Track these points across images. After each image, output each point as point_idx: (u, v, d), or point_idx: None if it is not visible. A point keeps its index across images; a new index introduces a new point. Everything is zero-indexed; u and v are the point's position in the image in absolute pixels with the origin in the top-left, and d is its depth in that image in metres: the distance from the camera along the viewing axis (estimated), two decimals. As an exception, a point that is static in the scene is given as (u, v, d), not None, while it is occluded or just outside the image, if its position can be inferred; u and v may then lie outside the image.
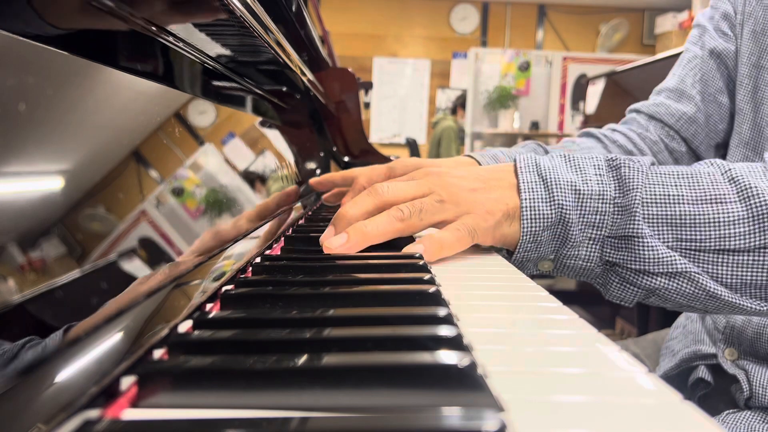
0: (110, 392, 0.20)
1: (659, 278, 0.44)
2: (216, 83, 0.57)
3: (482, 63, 4.83)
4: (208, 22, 0.48)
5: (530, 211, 0.45)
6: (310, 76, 0.87)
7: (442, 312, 0.27)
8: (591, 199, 0.45)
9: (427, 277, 0.35)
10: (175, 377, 0.20)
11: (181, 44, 0.47)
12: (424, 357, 0.21)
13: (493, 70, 4.78)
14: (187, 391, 0.20)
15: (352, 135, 1.33)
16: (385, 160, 1.34)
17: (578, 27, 5.75)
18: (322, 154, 1.10)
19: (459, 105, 4.74)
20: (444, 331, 0.24)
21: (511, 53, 4.74)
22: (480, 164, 0.69)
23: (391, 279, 0.36)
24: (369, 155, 1.34)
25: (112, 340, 0.22)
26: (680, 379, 0.69)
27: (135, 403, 0.20)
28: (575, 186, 0.45)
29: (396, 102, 5.90)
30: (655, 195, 0.44)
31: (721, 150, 0.75)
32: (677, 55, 0.81)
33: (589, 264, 0.46)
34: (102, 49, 0.35)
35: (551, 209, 0.45)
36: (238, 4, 0.45)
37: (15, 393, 0.17)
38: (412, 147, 5.07)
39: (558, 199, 0.45)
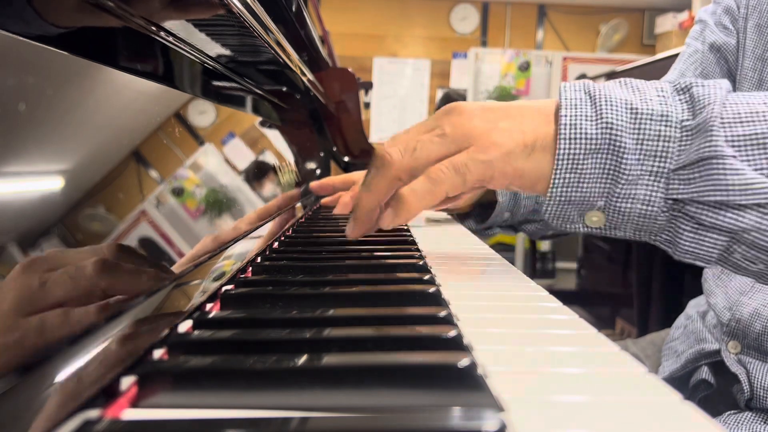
0: (110, 392, 0.20)
1: (749, 213, 0.33)
2: (216, 83, 0.57)
3: (482, 63, 4.82)
4: (208, 22, 0.48)
5: (569, 129, 0.35)
6: (310, 76, 0.87)
7: (442, 312, 0.27)
8: (652, 120, 0.35)
9: (426, 277, 0.35)
10: (175, 377, 0.20)
11: (181, 44, 0.47)
12: (424, 357, 0.21)
13: (493, 70, 4.77)
14: (187, 391, 0.20)
15: (352, 135, 1.33)
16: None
17: (578, 27, 5.75)
18: (322, 154, 1.10)
19: (444, 105, 4.74)
20: (444, 331, 0.24)
21: (511, 53, 4.74)
22: None
23: (391, 279, 0.36)
24: (369, 155, 1.34)
25: (112, 339, 0.22)
26: (682, 381, 0.69)
27: (135, 403, 0.20)
28: (630, 104, 0.35)
29: (396, 102, 5.90)
30: (738, 114, 0.34)
31: None
32: (677, 55, 0.82)
33: (650, 208, 0.35)
34: (102, 49, 0.35)
35: (597, 128, 0.35)
36: (238, 4, 0.45)
37: (15, 393, 0.17)
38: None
39: (607, 117, 0.35)
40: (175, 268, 0.31)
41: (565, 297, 0.36)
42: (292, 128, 0.89)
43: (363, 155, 1.34)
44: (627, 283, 1.92)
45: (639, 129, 0.35)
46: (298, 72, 0.76)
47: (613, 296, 2.13)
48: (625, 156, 0.35)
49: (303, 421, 0.17)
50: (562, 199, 0.36)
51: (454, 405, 0.19)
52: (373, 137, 5.67)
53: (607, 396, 0.20)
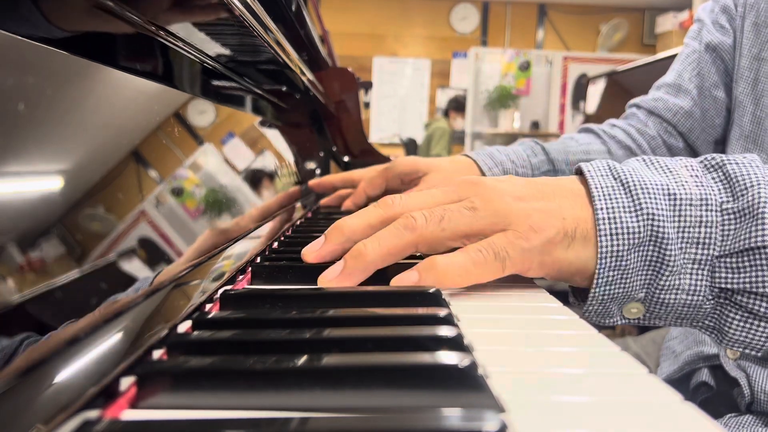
0: (110, 392, 0.20)
1: None
2: (216, 83, 0.57)
3: (482, 63, 4.82)
4: (208, 22, 0.48)
5: (610, 223, 0.33)
6: (310, 75, 0.87)
7: (442, 312, 0.27)
8: (692, 206, 0.33)
9: (427, 277, 0.35)
10: (174, 377, 0.20)
11: (181, 44, 0.46)
12: (424, 357, 0.21)
13: (493, 70, 4.78)
14: (187, 392, 0.20)
15: (352, 135, 1.33)
16: (386, 160, 1.34)
17: (578, 27, 5.75)
18: (322, 154, 1.10)
19: (451, 108, 4.73)
20: (444, 331, 0.24)
21: (512, 53, 4.74)
22: (478, 164, 0.68)
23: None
24: (369, 155, 1.34)
25: (111, 340, 0.22)
26: (682, 383, 0.69)
27: (134, 404, 0.20)
28: (668, 189, 0.34)
29: (396, 102, 5.90)
30: None
31: (720, 146, 0.75)
32: (677, 55, 0.82)
33: (695, 298, 0.33)
34: (102, 49, 0.35)
35: (638, 220, 0.33)
36: (238, 4, 0.45)
37: (15, 393, 0.17)
38: (409, 147, 5.07)
39: (647, 207, 0.33)
40: (177, 266, 0.31)
41: (566, 297, 0.35)
42: (292, 128, 0.89)
43: (363, 155, 1.34)
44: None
45: (680, 216, 0.33)
46: (298, 72, 0.76)
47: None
48: (668, 246, 0.33)
49: (303, 422, 0.17)
50: (605, 297, 0.34)
51: (454, 405, 0.19)
52: (373, 137, 5.67)
53: (607, 396, 0.20)
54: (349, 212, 0.71)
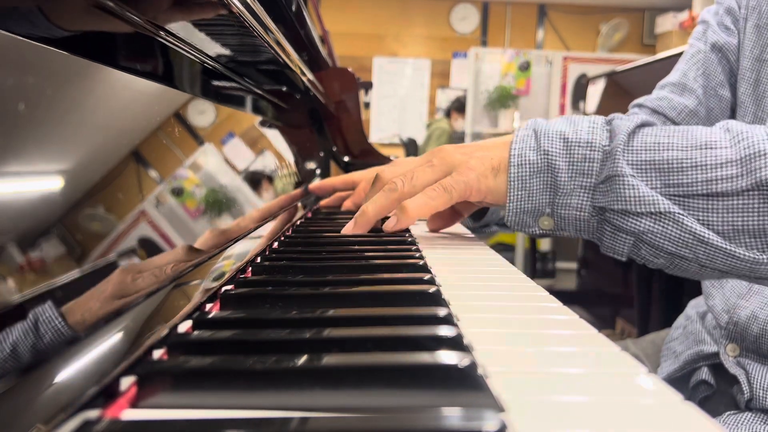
0: (110, 392, 0.20)
1: (644, 220, 0.43)
2: (216, 83, 0.57)
3: (482, 63, 4.82)
4: (208, 22, 0.48)
5: (517, 158, 0.46)
6: (310, 75, 0.87)
7: (442, 312, 0.27)
8: (579, 146, 0.45)
9: (426, 277, 0.35)
10: (174, 377, 0.20)
11: (181, 44, 0.46)
12: (424, 357, 0.21)
13: (493, 70, 4.77)
14: (187, 392, 0.20)
15: (352, 135, 1.33)
16: (386, 159, 1.34)
17: (578, 27, 5.75)
18: (322, 154, 1.10)
19: (453, 108, 4.73)
20: (444, 331, 0.24)
21: (512, 53, 4.73)
22: None
23: (391, 279, 0.36)
24: (369, 155, 1.34)
25: (112, 340, 0.22)
26: (682, 381, 0.69)
27: (135, 404, 0.20)
28: (564, 134, 0.46)
29: (396, 102, 5.90)
30: (644, 143, 0.44)
31: None
32: (678, 55, 0.82)
33: (582, 213, 0.45)
34: (102, 49, 0.35)
35: (537, 155, 0.46)
36: (238, 4, 0.45)
37: (15, 393, 0.17)
38: (409, 147, 5.07)
39: (544, 146, 0.46)
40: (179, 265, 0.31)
41: (565, 297, 0.38)
42: (292, 128, 0.89)
43: (363, 155, 1.34)
44: (627, 283, 1.92)
45: (570, 154, 0.45)
46: (298, 72, 0.76)
47: (613, 296, 2.13)
48: (559, 174, 0.45)
49: (303, 422, 0.17)
50: (518, 209, 0.47)
51: (454, 405, 0.19)
52: (373, 137, 5.67)
53: (607, 396, 0.20)
54: (349, 212, 0.71)
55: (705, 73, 0.74)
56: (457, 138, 4.69)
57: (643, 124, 0.46)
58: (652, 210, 0.42)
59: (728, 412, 0.59)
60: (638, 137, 0.44)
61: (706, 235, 0.42)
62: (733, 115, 0.74)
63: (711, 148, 0.42)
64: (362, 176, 0.75)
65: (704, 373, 0.65)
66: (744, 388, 0.58)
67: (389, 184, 0.50)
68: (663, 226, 0.43)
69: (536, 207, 0.47)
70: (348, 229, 0.52)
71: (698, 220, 0.42)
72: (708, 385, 0.65)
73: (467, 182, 0.47)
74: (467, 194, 0.48)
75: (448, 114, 4.74)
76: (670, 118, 0.78)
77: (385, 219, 0.53)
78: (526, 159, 0.46)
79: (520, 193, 0.46)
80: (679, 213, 0.42)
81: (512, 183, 0.46)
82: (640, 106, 0.82)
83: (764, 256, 0.42)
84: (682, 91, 0.77)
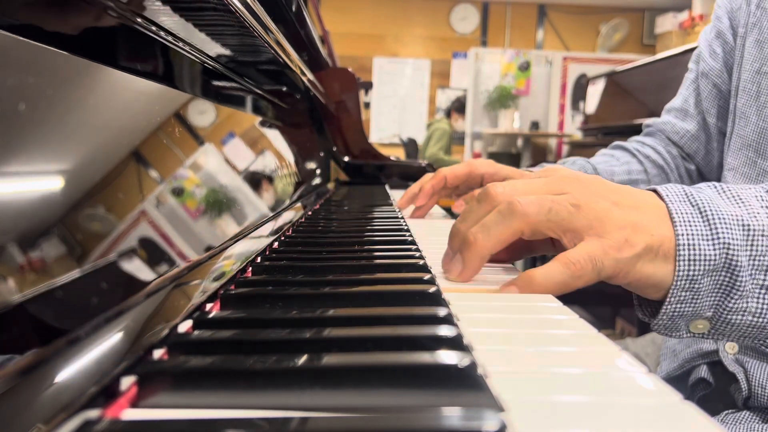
0: (110, 392, 0.20)
1: None
2: (216, 83, 0.57)
3: (482, 63, 4.82)
4: (208, 22, 0.48)
5: (689, 249, 0.36)
6: (310, 76, 0.87)
7: (442, 312, 0.27)
8: (763, 236, 0.36)
9: (427, 277, 0.35)
10: (175, 377, 0.20)
11: (181, 44, 0.47)
12: (424, 357, 0.21)
13: (493, 70, 4.77)
14: (187, 391, 0.20)
15: (352, 135, 1.33)
16: (386, 159, 1.34)
17: (578, 27, 5.75)
18: (322, 154, 1.10)
19: (453, 108, 4.73)
20: (444, 331, 0.24)
21: (511, 53, 4.74)
22: None
23: (391, 279, 0.36)
24: (369, 155, 1.34)
25: (112, 340, 0.22)
26: (681, 380, 0.69)
27: (135, 403, 0.20)
28: (743, 221, 0.37)
29: (396, 102, 5.90)
30: None
31: (721, 169, 0.78)
32: (677, 55, 0.86)
33: (760, 320, 0.37)
34: (102, 49, 0.35)
35: (714, 249, 0.36)
36: (238, 4, 0.45)
37: (15, 393, 0.17)
38: (409, 147, 5.07)
39: (723, 237, 0.36)
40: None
41: (565, 297, 0.36)
42: (292, 128, 0.89)
43: (363, 155, 1.34)
44: (627, 283, 1.91)
45: (752, 245, 0.36)
46: (298, 72, 0.76)
47: (613, 296, 2.13)
48: (740, 273, 0.36)
49: (303, 422, 0.17)
50: (675, 314, 0.37)
51: (454, 405, 0.19)
52: (373, 137, 5.67)
53: (607, 396, 0.20)
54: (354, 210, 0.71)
55: (698, 98, 0.80)
56: (457, 138, 4.69)
57: None
58: None
59: (726, 411, 0.59)
60: None
61: None
62: (720, 137, 0.78)
63: None
64: (443, 169, 0.72)
65: (703, 371, 0.65)
66: (742, 386, 0.58)
67: (512, 203, 0.36)
68: None
69: (698, 311, 0.37)
70: (458, 274, 0.38)
71: None
72: (707, 384, 0.65)
73: (621, 262, 0.35)
74: (613, 276, 0.36)
75: (448, 114, 4.74)
76: (673, 141, 0.83)
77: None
78: (701, 253, 0.36)
79: (684, 294, 0.36)
80: None
81: (679, 282, 0.36)
82: (650, 126, 0.88)
83: None
84: (684, 116, 0.82)
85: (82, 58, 0.29)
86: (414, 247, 0.47)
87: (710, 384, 0.65)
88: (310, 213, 0.72)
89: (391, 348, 0.23)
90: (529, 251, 0.45)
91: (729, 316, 0.37)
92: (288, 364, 0.20)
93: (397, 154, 1.48)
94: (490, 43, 5.71)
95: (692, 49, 0.85)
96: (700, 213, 0.37)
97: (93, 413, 0.18)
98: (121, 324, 0.23)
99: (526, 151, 4.50)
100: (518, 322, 0.29)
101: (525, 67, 4.74)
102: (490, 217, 0.37)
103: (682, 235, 0.36)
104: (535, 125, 4.77)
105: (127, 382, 0.20)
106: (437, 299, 0.31)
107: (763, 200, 0.38)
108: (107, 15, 0.34)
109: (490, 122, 4.79)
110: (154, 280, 0.27)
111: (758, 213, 0.37)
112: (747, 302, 0.36)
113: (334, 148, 1.30)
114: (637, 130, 0.92)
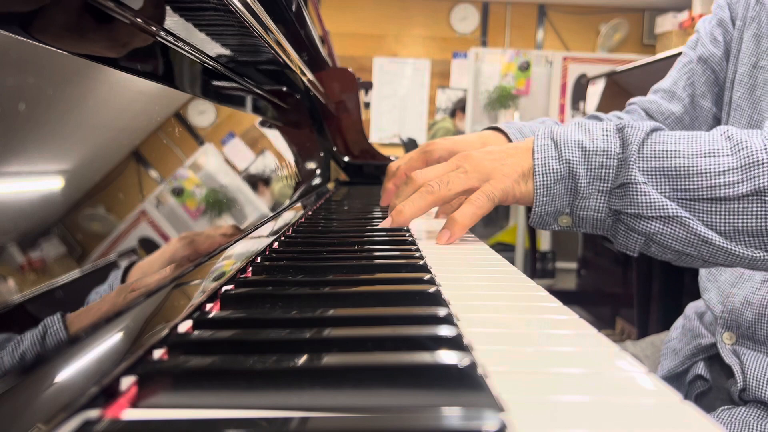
0: (110, 392, 0.20)
1: (654, 222, 0.48)
2: (216, 83, 0.57)
3: (482, 63, 4.82)
4: (208, 22, 0.48)
5: (542, 167, 0.51)
6: (310, 76, 0.87)
7: (442, 312, 0.27)
8: (596, 154, 0.50)
9: (427, 277, 0.35)
10: (175, 377, 0.20)
11: (181, 44, 0.47)
12: (424, 357, 0.21)
13: (493, 70, 4.77)
14: (187, 391, 0.20)
15: (352, 135, 1.33)
16: (386, 159, 1.34)
17: (578, 27, 5.75)
18: (322, 154, 1.10)
19: (459, 108, 4.74)
20: (444, 331, 0.24)
21: (511, 53, 4.73)
22: (507, 135, 0.77)
23: (391, 279, 0.36)
24: (369, 155, 1.34)
25: (112, 340, 0.22)
26: (679, 379, 0.69)
27: (135, 403, 0.20)
28: (582, 144, 0.51)
29: (396, 102, 5.90)
30: (654, 151, 0.48)
31: None
32: (677, 55, 0.85)
33: (599, 214, 0.50)
34: (102, 49, 0.35)
35: (560, 164, 0.51)
36: (238, 4, 0.45)
37: (15, 393, 0.17)
38: (409, 147, 5.07)
39: (566, 156, 0.50)
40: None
41: (565, 297, 0.39)
42: (292, 128, 0.89)
43: (363, 155, 1.34)
44: (627, 283, 1.92)
45: (588, 161, 0.50)
46: (298, 72, 0.76)
47: (613, 296, 2.13)
48: (579, 180, 0.50)
49: (303, 421, 0.17)
50: (542, 212, 0.52)
51: (454, 405, 0.19)
52: (373, 137, 5.67)
53: (606, 396, 0.20)
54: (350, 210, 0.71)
55: (691, 83, 0.80)
56: (460, 138, 4.68)
57: (653, 130, 0.51)
58: (662, 214, 0.47)
59: (722, 407, 0.60)
60: (648, 145, 0.49)
61: (710, 236, 0.47)
62: (715, 122, 0.79)
63: (714, 156, 0.47)
64: (399, 162, 0.75)
65: (700, 368, 0.66)
66: (738, 378, 0.59)
67: (425, 186, 0.53)
68: (671, 228, 0.48)
69: (558, 209, 0.52)
70: (386, 224, 0.55)
71: (702, 222, 0.47)
72: (704, 381, 0.66)
73: (505, 189, 0.52)
74: (504, 200, 0.52)
75: (453, 114, 4.74)
76: (657, 122, 0.82)
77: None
78: (550, 168, 0.51)
79: (545, 198, 0.51)
80: (685, 216, 0.47)
81: (538, 190, 0.51)
82: (633, 104, 0.88)
83: (761, 253, 0.47)
84: (671, 98, 0.83)
85: (82, 58, 0.29)
86: (414, 247, 0.47)
87: (707, 381, 0.65)
88: (310, 213, 0.72)
89: (391, 348, 0.23)
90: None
91: (579, 212, 0.51)
92: (288, 364, 0.20)
93: (398, 154, 1.47)
94: (490, 43, 5.71)
95: (692, 49, 0.85)
96: (554, 142, 0.52)
97: (93, 413, 0.18)
98: (121, 324, 0.23)
99: (526, 151, 4.50)
100: (518, 322, 0.29)
101: (525, 67, 4.74)
102: (414, 195, 0.54)
103: (538, 158, 0.52)
104: (535, 125, 4.76)
105: (127, 382, 0.20)
106: (437, 299, 0.31)
107: (606, 131, 0.51)
108: (107, 14, 0.34)
109: (490, 122, 4.78)
110: (154, 280, 0.27)
111: (596, 138, 0.51)
112: (588, 201, 0.50)
113: (334, 148, 1.30)
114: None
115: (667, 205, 0.47)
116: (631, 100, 0.89)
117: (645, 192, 0.47)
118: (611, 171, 0.49)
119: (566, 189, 0.51)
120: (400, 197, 0.56)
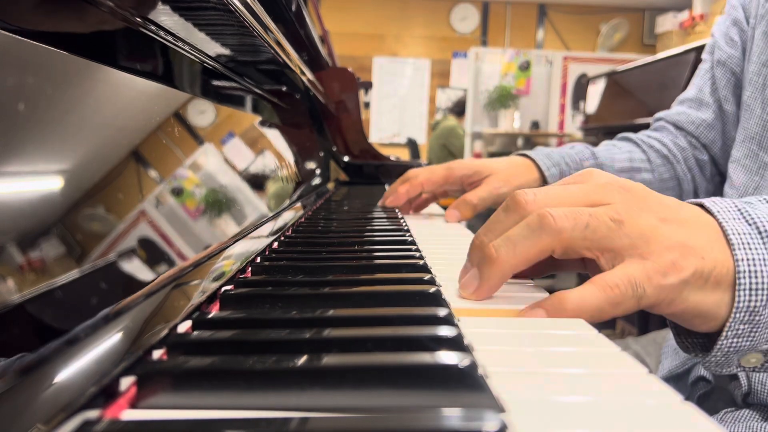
0: (109, 392, 0.20)
1: None
2: (216, 83, 0.57)
3: (482, 62, 4.82)
4: (208, 21, 0.48)
5: (750, 278, 0.31)
6: (310, 75, 0.87)
7: (442, 312, 0.27)
8: None
9: (427, 277, 0.35)
10: (174, 377, 0.20)
11: (180, 44, 0.47)
12: (424, 357, 0.21)
13: (493, 70, 4.77)
14: (187, 392, 0.20)
15: (352, 135, 1.33)
16: (386, 159, 1.34)
17: (578, 27, 5.76)
18: (321, 154, 1.10)
19: (455, 112, 4.76)
20: (444, 331, 0.24)
21: (512, 53, 4.73)
22: (536, 163, 0.72)
23: (391, 279, 0.36)
24: (369, 155, 1.34)
25: (111, 340, 0.22)
26: (681, 378, 0.69)
27: (134, 404, 0.20)
28: None
29: (396, 102, 5.90)
30: None
31: None
32: (678, 55, 0.85)
33: None
34: (102, 49, 0.35)
35: None
36: (238, 4, 0.45)
37: (15, 393, 0.17)
38: (413, 147, 5.07)
39: None
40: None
41: None
42: (292, 128, 0.89)
43: (363, 155, 1.34)
44: (627, 282, 1.91)
45: None
46: (298, 72, 0.76)
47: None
48: None
49: (303, 422, 0.17)
50: (731, 350, 0.33)
51: (454, 405, 0.19)
52: (373, 137, 5.67)
53: (607, 396, 0.20)
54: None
55: (715, 89, 0.78)
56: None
57: None
58: None
59: (726, 409, 0.59)
60: None
61: None
62: (738, 123, 0.76)
63: None
64: (418, 173, 0.72)
65: (703, 369, 0.65)
66: (742, 382, 0.58)
67: (543, 215, 0.32)
68: None
69: (755, 344, 0.33)
70: (474, 292, 0.33)
71: None
72: (706, 382, 0.65)
73: (665, 289, 0.31)
74: (655, 305, 0.32)
75: (459, 113, 4.76)
76: (689, 132, 0.82)
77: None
78: (764, 282, 0.31)
79: (742, 327, 0.32)
80: None
81: (737, 315, 0.32)
82: (663, 119, 0.86)
83: None
84: (699, 106, 0.81)
85: (82, 58, 0.29)
86: (414, 247, 0.47)
87: (710, 382, 0.65)
88: (309, 213, 0.72)
89: (391, 348, 0.23)
90: (556, 268, 0.39)
91: None
92: (288, 364, 0.20)
93: (398, 154, 1.47)
94: (490, 43, 5.71)
95: (693, 49, 0.84)
96: (760, 234, 0.32)
97: (92, 413, 0.18)
98: (121, 324, 0.23)
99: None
100: (518, 322, 0.29)
101: (525, 67, 4.74)
102: (517, 230, 0.32)
103: (742, 260, 0.31)
104: (535, 125, 4.77)
105: (127, 382, 0.20)
106: (437, 299, 0.30)
107: None
108: (107, 14, 0.34)
109: (490, 122, 4.79)
110: (154, 280, 0.27)
111: None
112: None
113: (334, 148, 1.30)
114: (637, 129, 0.91)
115: None
116: (658, 115, 0.87)
117: None
118: None
119: None
120: (492, 231, 0.34)
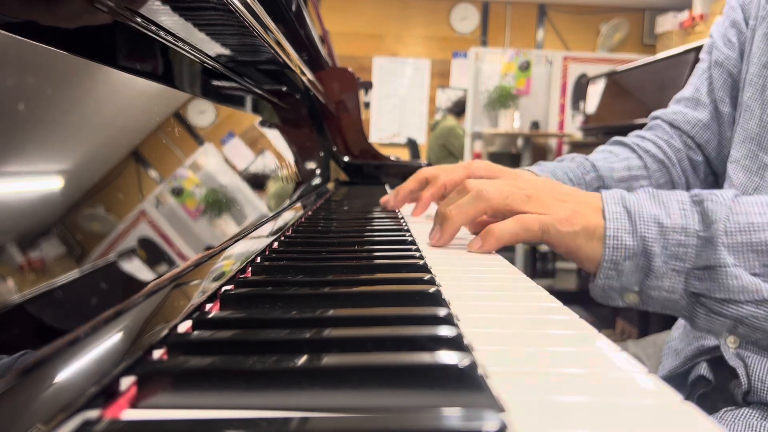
0: (110, 392, 0.20)
1: (746, 306, 0.44)
2: (216, 83, 0.57)
3: (482, 63, 4.81)
4: (208, 21, 0.48)
5: (614, 240, 0.46)
6: (309, 75, 0.87)
7: (442, 312, 0.27)
8: (674, 231, 0.45)
9: (427, 277, 0.35)
10: (174, 377, 0.20)
11: (180, 44, 0.47)
12: (424, 357, 0.21)
13: (493, 70, 4.77)
14: (187, 392, 0.20)
15: (352, 135, 1.33)
16: (386, 159, 1.34)
17: (578, 27, 5.76)
18: (321, 154, 1.10)
19: (455, 112, 4.77)
20: (444, 331, 0.24)
21: (511, 53, 4.73)
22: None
23: (391, 279, 0.36)
24: (369, 155, 1.34)
25: (111, 340, 0.22)
26: (681, 378, 0.69)
27: (134, 404, 0.20)
28: (659, 219, 0.46)
29: (396, 102, 5.90)
30: (738, 224, 0.44)
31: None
32: (678, 55, 0.84)
33: (673, 295, 0.46)
34: (102, 49, 0.35)
35: (634, 240, 0.46)
36: (238, 4, 0.45)
37: (15, 393, 0.17)
38: (413, 147, 5.07)
39: (641, 231, 0.46)
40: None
41: (565, 297, 0.39)
42: (292, 128, 0.89)
43: (363, 155, 1.34)
44: (627, 282, 1.91)
45: (665, 239, 0.45)
46: (298, 72, 0.76)
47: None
48: (654, 259, 0.45)
49: (303, 422, 0.17)
50: (605, 286, 0.48)
51: (454, 405, 0.19)
52: (373, 137, 5.67)
53: (607, 396, 0.20)
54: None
55: (712, 89, 0.79)
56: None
57: (733, 198, 0.47)
58: (756, 298, 0.43)
59: (726, 408, 0.59)
60: (732, 218, 0.45)
61: None
62: (733, 125, 0.77)
63: None
64: (433, 172, 0.72)
65: (703, 369, 0.66)
66: (742, 381, 0.58)
67: (480, 190, 0.49)
68: (765, 310, 0.44)
69: (624, 285, 0.47)
70: (438, 239, 0.51)
71: None
72: (706, 381, 0.65)
73: (564, 236, 0.47)
74: (557, 245, 0.47)
75: (459, 113, 4.76)
76: (685, 131, 0.82)
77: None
78: (622, 243, 0.46)
79: (611, 272, 0.47)
80: None
81: (605, 264, 0.46)
82: (659, 118, 0.86)
83: None
84: (695, 105, 0.81)
85: (82, 58, 0.29)
86: (414, 247, 0.47)
87: (710, 381, 0.65)
88: (309, 213, 0.72)
89: (391, 348, 0.23)
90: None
91: (650, 292, 0.46)
92: (288, 364, 0.20)
93: (398, 154, 1.47)
94: (490, 43, 5.71)
95: (693, 49, 0.84)
96: (627, 213, 0.47)
97: (92, 413, 0.18)
98: (121, 324, 0.23)
99: (527, 151, 4.50)
100: (518, 322, 0.29)
101: (525, 67, 4.74)
102: (464, 200, 0.50)
103: (610, 228, 0.46)
104: (535, 125, 4.77)
105: (127, 382, 0.20)
106: (437, 299, 0.31)
107: (682, 204, 0.47)
108: (106, 14, 0.34)
109: (490, 122, 4.79)
110: (154, 280, 0.27)
111: (673, 213, 0.46)
112: (661, 281, 0.46)
113: (334, 148, 1.30)
114: (636, 129, 0.91)
115: (761, 288, 0.43)
116: (654, 113, 0.87)
117: (736, 275, 0.43)
118: (690, 250, 0.45)
119: (637, 266, 0.46)
120: (448, 203, 0.51)
